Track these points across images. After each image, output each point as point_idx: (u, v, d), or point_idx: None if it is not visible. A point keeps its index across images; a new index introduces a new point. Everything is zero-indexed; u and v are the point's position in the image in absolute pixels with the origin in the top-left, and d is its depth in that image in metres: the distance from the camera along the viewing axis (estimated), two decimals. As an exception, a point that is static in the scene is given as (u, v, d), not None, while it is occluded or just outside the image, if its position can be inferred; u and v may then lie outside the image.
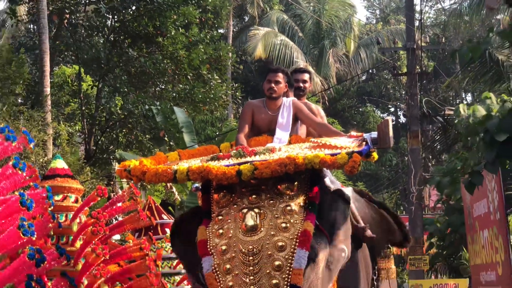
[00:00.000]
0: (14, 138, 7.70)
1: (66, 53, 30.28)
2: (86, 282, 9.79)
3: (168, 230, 15.86)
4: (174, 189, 24.39)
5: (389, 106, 54.46)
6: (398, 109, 55.34)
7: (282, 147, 8.04)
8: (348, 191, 8.52)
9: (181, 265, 15.01)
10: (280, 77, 8.63)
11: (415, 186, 22.69)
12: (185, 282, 14.72)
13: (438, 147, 28.62)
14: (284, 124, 8.55)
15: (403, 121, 50.86)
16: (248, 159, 7.61)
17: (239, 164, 7.40)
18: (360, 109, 54.52)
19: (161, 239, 15.47)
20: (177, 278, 15.01)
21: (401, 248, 9.52)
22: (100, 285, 10.05)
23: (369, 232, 7.94)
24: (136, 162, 7.87)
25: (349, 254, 7.51)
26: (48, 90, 25.36)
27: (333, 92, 48.76)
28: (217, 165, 7.43)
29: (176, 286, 14.88)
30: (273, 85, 8.58)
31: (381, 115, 55.57)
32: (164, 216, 16.35)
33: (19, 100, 25.44)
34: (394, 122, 47.96)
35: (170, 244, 14.97)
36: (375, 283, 8.72)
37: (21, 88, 24.15)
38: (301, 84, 9.35)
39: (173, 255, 15.07)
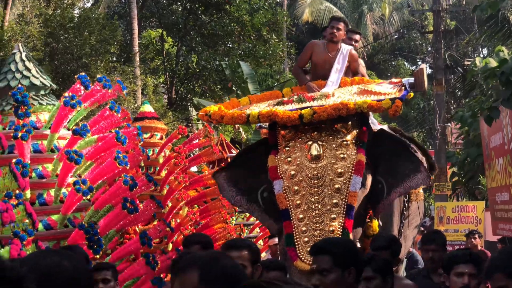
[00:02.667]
0: (109, 86, 7.69)
1: (151, 19, 30.35)
2: (170, 204, 9.83)
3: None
4: (241, 129, 24.36)
5: (417, 59, 53.65)
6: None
7: (335, 92, 8.00)
8: (384, 128, 8.49)
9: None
10: (341, 25, 8.52)
11: (440, 124, 22.61)
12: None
13: (459, 93, 28.34)
14: (339, 69, 8.47)
15: (429, 72, 50.25)
16: (308, 104, 7.65)
17: (301, 108, 7.47)
18: (393, 63, 53.82)
19: (231, 169, 15.45)
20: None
21: (428, 175, 9.37)
22: (182, 207, 10.09)
23: None
24: (215, 108, 7.92)
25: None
26: (136, 49, 25.54)
27: (370, 49, 48.18)
28: (282, 110, 7.50)
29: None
30: (334, 30, 8.47)
31: (410, 67, 54.91)
32: (233, 151, 16.35)
33: (113, 58, 25.54)
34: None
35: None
36: (406, 204, 8.64)
37: (114, 48, 24.20)
38: (353, 43, 9.16)
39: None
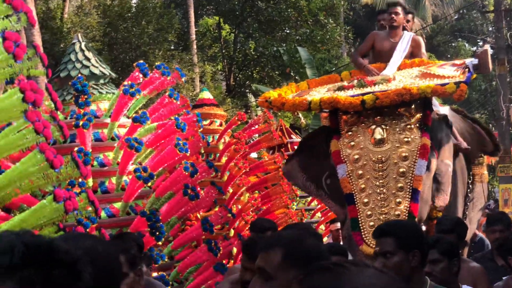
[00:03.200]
0: (168, 73, 7.70)
1: (207, 6, 30.42)
2: (231, 191, 9.84)
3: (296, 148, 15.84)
4: (300, 115, 24.29)
5: (478, 40, 52.77)
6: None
7: (396, 75, 7.91)
8: (446, 109, 8.41)
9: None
10: (399, 9, 8.50)
11: (505, 104, 22.23)
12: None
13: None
14: (402, 52, 8.38)
15: (491, 52, 49.38)
16: (369, 89, 7.61)
17: (362, 94, 7.42)
18: (453, 44, 53.08)
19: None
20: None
21: (492, 157, 9.26)
22: (243, 192, 10.10)
23: (464, 144, 7.86)
24: (275, 94, 7.90)
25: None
26: (194, 37, 25.61)
27: (429, 30, 47.53)
28: (344, 96, 7.45)
29: (304, 193, 14.83)
30: (393, 15, 8.46)
31: (471, 48, 54.07)
32: (293, 136, 16.35)
33: (171, 46, 25.70)
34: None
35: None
36: (470, 186, 8.53)
37: (172, 36, 24.36)
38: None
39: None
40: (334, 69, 27.54)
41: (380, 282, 1.59)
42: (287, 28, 28.87)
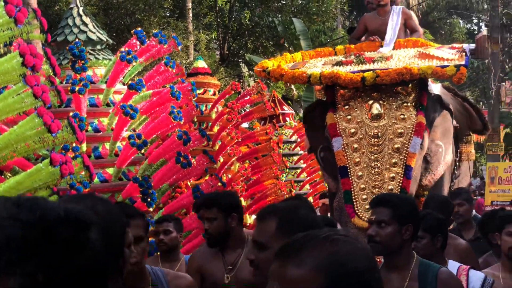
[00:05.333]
0: (165, 41, 7.73)
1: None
2: (222, 160, 9.91)
3: (288, 119, 15.89)
4: (292, 86, 24.32)
5: (473, 17, 52.72)
6: (480, 21, 53.70)
7: (393, 54, 7.98)
8: (437, 86, 8.49)
9: (298, 147, 15.06)
10: None
11: (495, 83, 22.32)
12: (302, 161, 14.78)
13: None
14: (394, 26, 8.46)
15: (484, 30, 49.29)
16: (369, 66, 7.70)
17: (362, 71, 7.50)
18: (448, 21, 52.94)
19: (282, 126, 15.49)
20: (295, 158, 15.07)
21: (481, 135, 9.36)
22: (233, 162, 10.17)
23: (454, 123, 7.94)
24: (271, 64, 7.94)
25: (451, 156, 7.65)
26: (190, 4, 25.48)
27: (424, 6, 47.44)
28: (344, 72, 7.51)
29: (294, 164, 14.95)
30: None
31: (466, 26, 54.02)
32: (285, 108, 16.36)
33: (167, 14, 25.61)
34: (476, 32, 46.81)
35: (290, 131, 15.06)
36: (457, 163, 8.64)
37: (168, 3, 24.26)
38: None
39: (292, 139, 15.14)
40: (328, 41, 27.52)
41: (360, 253, 1.65)
42: (282, -1, 28.79)
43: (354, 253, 1.63)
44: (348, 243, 1.65)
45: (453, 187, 8.50)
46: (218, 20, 28.90)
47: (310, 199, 13.98)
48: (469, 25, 55.45)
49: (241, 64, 30.03)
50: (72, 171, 4.82)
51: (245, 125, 15.93)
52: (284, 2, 28.72)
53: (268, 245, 2.91)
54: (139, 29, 7.84)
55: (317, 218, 3.19)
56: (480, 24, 54.23)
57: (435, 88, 8.30)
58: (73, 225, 1.43)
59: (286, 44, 26.76)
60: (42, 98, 4.44)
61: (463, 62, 7.38)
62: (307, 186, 14.77)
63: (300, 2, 27.91)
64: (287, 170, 14.24)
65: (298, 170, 14.82)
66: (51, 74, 5.12)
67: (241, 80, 28.46)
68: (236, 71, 29.20)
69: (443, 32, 49.93)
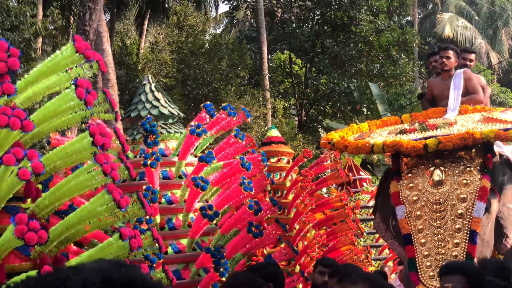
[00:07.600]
0: (234, 113, 7.93)
1: (280, 42, 30.78)
2: (297, 227, 9.99)
3: (365, 184, 15.89)
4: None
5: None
6: None
7: (458, 119, 7.99)
8: (510, 148, 8.39)
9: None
10: (450, 53, 8.60)
11: None
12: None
13: None
14: (455, 92, 8.49)
15: None
16: (431, 133, 7.73)
17: (425, 138, 7.53)
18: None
19: (358, 191, 15.49)
20: (373, 223, 15.00)
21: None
22: (309, 229, 10.23)
23: None
24: (337, 135, 8.05)
25: None
26: (266, 72, 25.93)
27: (506, 64, 46.96)
28: (406, 140, 7.57)
29: (372, 229, 14.89)
30: (444, 60, 8.59)
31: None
32: (362, 173, 16.36)
33: (243, 82, 26.08)
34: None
35: (367, 196, 15.04)
36: None
37: (244, 72, 24.72)
38: (468, 63, 9.12)
39: (370, 204, 15.11)
40: (408, 103, 27.48)
41: None
42: (358, 63, 28.97)
43: None
44: None
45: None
46: (295, 86, 29.25)
47: (390, 263, 13.88)
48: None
49: (319, 129, 30.21)
50: (141, 244, 4.99)
51: (323, 190, 15.97)
52: (360, 66, 28.92)
53: None
54: (208, 102, 8.07)
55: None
56: None
57: (507, 150, 8.23)
58: None
59: (363, 109, 26.85)
60: (112, 175, 4.64)
61: None
62: (386, 251, 14.67)
63: (375, 65, 28.04)
64: (365, 235, 14.20)
65: (377, 235, 14.73)
66: (121, 151, 5.35)
67: (320, 146, 28.58)
68: (315, 137, 29.36)
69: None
